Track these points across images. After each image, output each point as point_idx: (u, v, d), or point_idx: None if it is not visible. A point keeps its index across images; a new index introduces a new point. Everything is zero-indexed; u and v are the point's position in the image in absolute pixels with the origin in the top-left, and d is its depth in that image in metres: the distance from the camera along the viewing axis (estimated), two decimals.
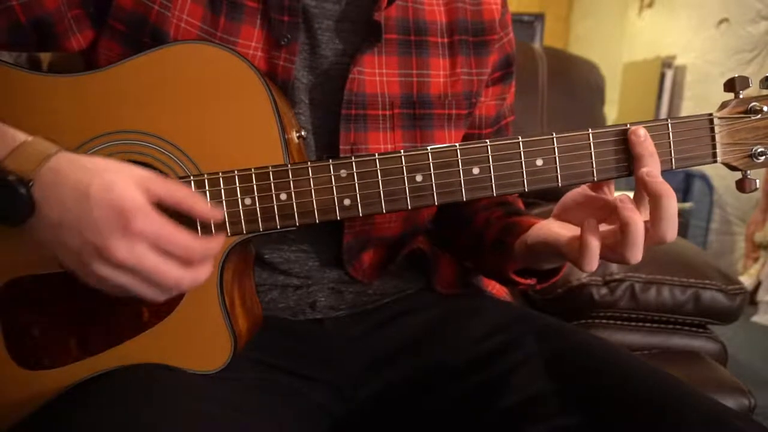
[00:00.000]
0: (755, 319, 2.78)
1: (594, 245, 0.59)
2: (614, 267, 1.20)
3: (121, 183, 0.51)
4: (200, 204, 0.55)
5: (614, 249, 0.59)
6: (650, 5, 4.00)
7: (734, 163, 0.63)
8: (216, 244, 0.55)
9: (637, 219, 0.57)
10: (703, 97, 3.42)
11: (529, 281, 0.75)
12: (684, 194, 3.28)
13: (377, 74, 0.70)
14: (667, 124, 0.61)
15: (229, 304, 0.59)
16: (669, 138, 0.61)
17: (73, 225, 0.50)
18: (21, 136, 0.52)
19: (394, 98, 0.71)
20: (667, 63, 3.66)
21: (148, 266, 0.51)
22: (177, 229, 0.52)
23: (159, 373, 0.57)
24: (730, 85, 0.63)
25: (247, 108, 0.59)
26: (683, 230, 3.04)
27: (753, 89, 0.63)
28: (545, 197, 1.43)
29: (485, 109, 0.81)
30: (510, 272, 0.74)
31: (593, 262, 0.59)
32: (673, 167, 0.62)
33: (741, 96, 0.62)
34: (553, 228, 0.66)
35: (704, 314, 1.21)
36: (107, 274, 0.51)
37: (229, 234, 0.58)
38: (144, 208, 0.51)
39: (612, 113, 3.91)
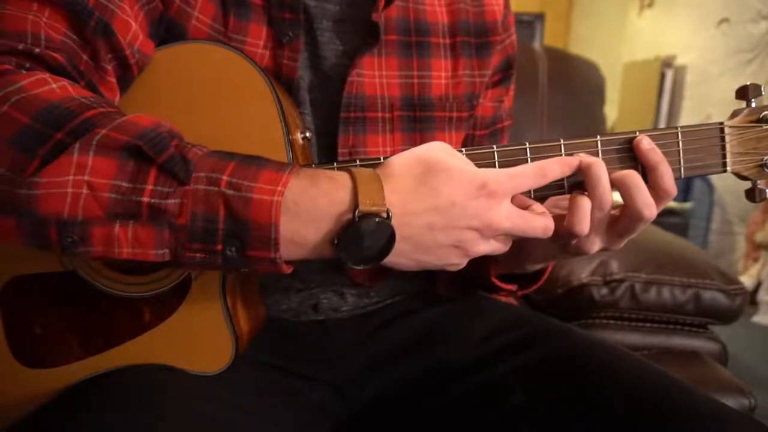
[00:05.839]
0: (755, 319, 2.78)
1: (585, 205, 0.56)
2: (614, 267, 1.20)
3: (452, 163, 0.52)
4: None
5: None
6: (650, 5, 4.00)
7: (744, 173, 0.62)
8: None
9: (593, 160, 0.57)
10: (703, 97, 3.41)
11: (510, 287, 0.75)
12: (684, 194, 3.28)
13: (377, 76, 0.69)
14: (677, 133, 0.60)
15: (231, 305, 0.59)
16: (678, 146, 0.60)
17: (443, 225, 0.51)
18: (321, 173, 0.51)
19: (394, 100, 0.70)
20: (667, 63, 3.66)
21: (523, 221, 0.53)
22: (510, 170, 0.54)
23: (160, 374, 0.57)
24: (742, 93, 0.61)
25: (251, 108, 0.59)
26: (683, 230, 3.03)
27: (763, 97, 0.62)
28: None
29: (481, 110, 0.80)
30: (492, 277, 0.73)
31: (584, 221, 0.57)
32: (682, 176, 0.61)
33: (753, 104, 0.61)
34: None
35: (705, 314, 1.21)
36: (487, 247, 0.53)
37: None
38: (489, 171, 0.53)
39: (612, 113, 3.90)
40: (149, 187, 0.47)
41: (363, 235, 0.49)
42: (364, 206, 0.48)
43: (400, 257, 0.52)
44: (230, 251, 0.48)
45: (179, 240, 0.48)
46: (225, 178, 0.48)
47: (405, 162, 0.53)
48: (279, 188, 0.48)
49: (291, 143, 0.59)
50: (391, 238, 0.50)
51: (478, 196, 0.51)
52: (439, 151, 0.53)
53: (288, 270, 0.50)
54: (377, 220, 0.49)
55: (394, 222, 0.50)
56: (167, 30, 0.62)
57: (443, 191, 0.51)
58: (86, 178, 0.46)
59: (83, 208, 0.46)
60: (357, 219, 0.48)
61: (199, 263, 0.49)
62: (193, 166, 0.48)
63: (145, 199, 0.47)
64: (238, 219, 0.47)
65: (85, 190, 0.46)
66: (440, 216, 0.51)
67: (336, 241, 0.49)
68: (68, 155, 0.46)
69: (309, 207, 0.49)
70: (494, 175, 0.52)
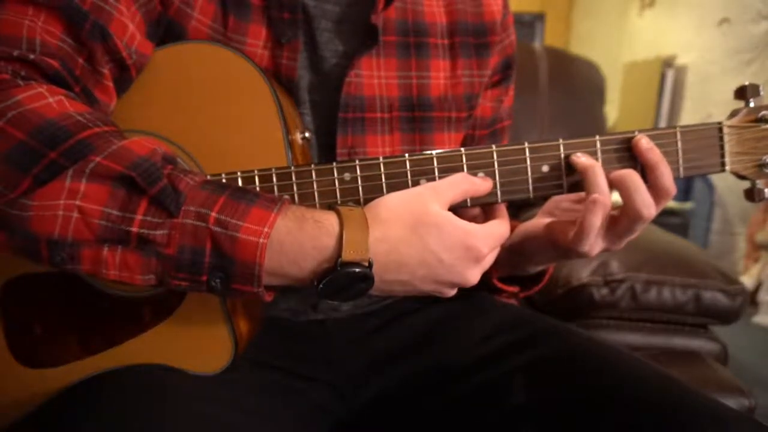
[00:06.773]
0: (756, 319, 2.78)
1: (594, 224, 0.58)
2: (615, 267, 1.20)
3: (444, 218, 0.54)
4: (482, 186, 0.59)
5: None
6: (651, 5, 3.99)
7: (743, 173, 0.62)
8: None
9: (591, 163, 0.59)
10: (704, 97, 3.41)
11: (512, 289, 0.75)
12: (685, 194, 3.27)
13: (375, 77, 0.70)
14: (676, 132, 0.60)
15: (230, 305, 0.59)
16: (677, 146, 0.61)
17: (425, 276, 0.54)
18: (310, 214, 0.52)
19: (393, 101, 0.70)
20: (667, 63, 3.65)
21: (487, 265, 0.57)
22: (496, 228, 0.57)
23: (160, 374, 0.57)
24: (741, 93, 0.62)
25: (251, 108, 0.59)
26: (684, 230, 3.03)
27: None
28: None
29: (481, 110, 0.80)
30: (493, 278, 0.74)
31: (589, 241, 0.59)
32: (681, 175, 0.61)
33: (752, 104, 0.61)
34: (544, 221, 0.67)
35: (705, 314, 1.21)
36: (454, 292, 0.57)
37: None
38: (478, 232, 0.55)
39: (612, 113, 3.90)
40: (139, 217, 0.48)
41: (342, 281, 0.51)
42: (347, 256, 0.50)
43: (373, 291, 0.55)
44: (215, 282, 0.50)
45: (166, 268, 0.49)
46: (214, 214, 0.49)
47: (396, 207, 0.54)
48: (266, 229, 0.49)
49: (290, 143, 0.59)
50: (369, 283, 0.52)
51: (464, 258, 0.54)
52: (432, 202, 0.54)
53: (269, 298, 0.53)
54: (357, 270, 0.51)
55: (375, 268, 0.52)
56: (167, 30, 0.62)
57: (432, 246, 0.53)
58: (78, 202, 0.47)
59: (73, 230, 0.48)
60: (338, 268, 0.50)
61: (184, 289, 0.52)
62: (183, 199, 0.49)
63: (135, 229, 0.48)
64: (224, 255, 0.49)
65: (75, 214, 0.48)
66: (424, 268, 0.53)
67: (316, 282, 0.52)
68: (61, 180, 0.48)
69: (293, 249, 0.51)
70: (483, 237, 0.55)
